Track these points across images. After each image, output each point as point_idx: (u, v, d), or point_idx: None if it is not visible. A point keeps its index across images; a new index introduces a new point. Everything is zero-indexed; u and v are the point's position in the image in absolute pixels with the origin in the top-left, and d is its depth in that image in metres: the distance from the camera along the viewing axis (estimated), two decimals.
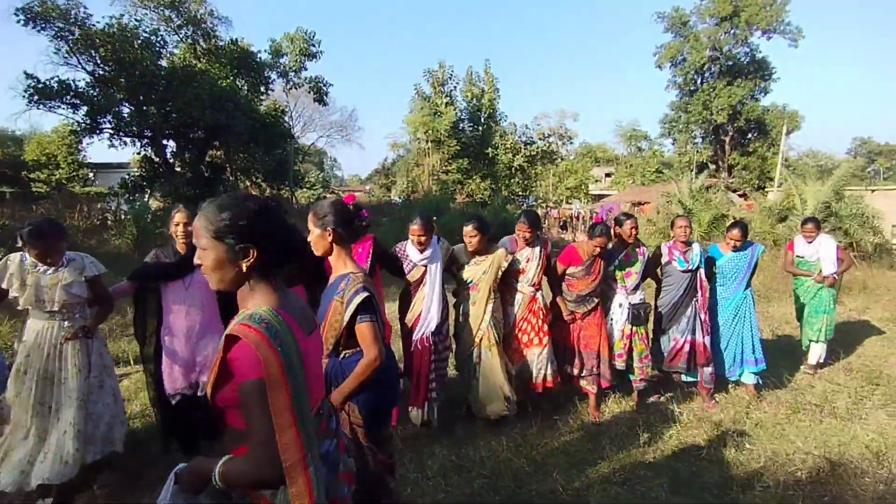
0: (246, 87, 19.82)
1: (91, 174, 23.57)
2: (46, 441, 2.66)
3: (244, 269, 1.28)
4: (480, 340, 3.65)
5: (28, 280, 2.69)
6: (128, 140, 18.48)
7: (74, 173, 22.42)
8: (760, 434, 3.71)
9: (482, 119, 31.31)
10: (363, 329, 2.01)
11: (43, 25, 15.90)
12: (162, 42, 18.14)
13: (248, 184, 21.97)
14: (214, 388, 1.27)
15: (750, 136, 33.91)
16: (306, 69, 23.00)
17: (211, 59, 19.13)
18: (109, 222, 14.84)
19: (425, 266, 3.57)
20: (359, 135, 67.34)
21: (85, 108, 17.09)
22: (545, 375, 3.85)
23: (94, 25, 16.30)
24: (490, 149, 30.65)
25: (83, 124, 17.43)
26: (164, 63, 17.67)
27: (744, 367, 4.36)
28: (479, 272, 3.70)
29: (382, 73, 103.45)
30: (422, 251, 3.55)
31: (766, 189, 25.29)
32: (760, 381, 4.41)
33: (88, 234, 13.52)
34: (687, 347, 4.19)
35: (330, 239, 2.09)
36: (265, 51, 21.30)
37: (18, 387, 2.69)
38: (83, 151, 23.55)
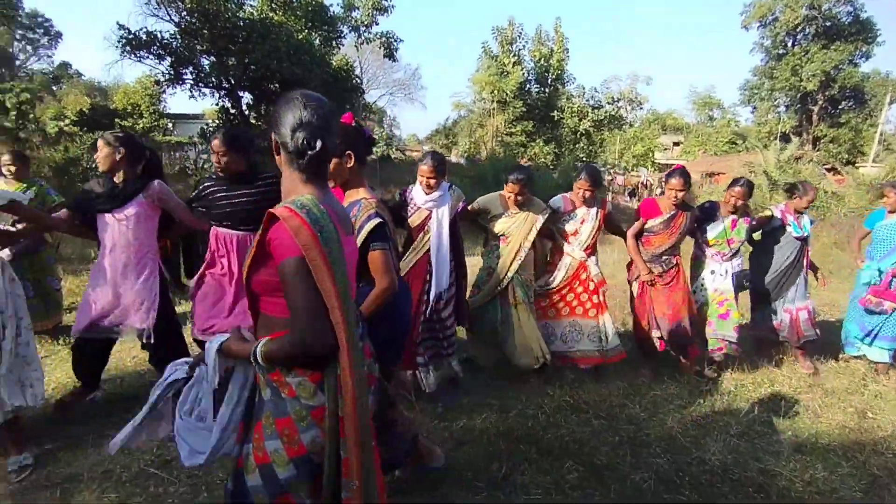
0: (319, 41, 19.96)
1: (170, 124, 24.69)
2: None
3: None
4: (504, 297, 3.44)
5: None
6: (207, 91, 19.15)
7: (156, 123, 23.50)
8: (882, 405, 3.58)
9: (549, 80, 30.36)
10: (375, 257, 1.91)
11: None
12: None
13: None
14: (250, 271, 1.32)
15: (843, 105, 31.28)
16: (377, 23, 22.90)
17: (287, 11, 19.32)
18: (189, 170, 15.59)
19: (430, 210, 3.14)
20: (421, 94, 66.93)
21: (169, 59, 17.78)
22: (600, 351, 3.61)
23: None
24: (556, 112, 29.79)
25: (167, 75, 18.17)
26: (243, 15, 18.00)
27: (874, 342, 4.08)
28: (513, 225, 3.44)
29: (448, 30, 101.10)
30: (428, 193, 3.14)
31: (856, 164, 23.47)
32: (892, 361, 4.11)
33: (171, 180, 14.33)
34: (804, 315, 4.06)
35: (350, 165, 1.96)
36: (338, 4, 21.31)
37: None
38: (164, 102, 24.60)
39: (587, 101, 31.88)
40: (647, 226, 3.76)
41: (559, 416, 3.14)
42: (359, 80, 21.42)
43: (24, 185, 4.13)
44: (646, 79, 40.67)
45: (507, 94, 28.13)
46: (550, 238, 3.71)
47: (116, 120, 19.73)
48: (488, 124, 29.90)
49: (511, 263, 3.42)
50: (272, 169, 2.07)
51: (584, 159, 31.66)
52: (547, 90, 30.27)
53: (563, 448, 2.80)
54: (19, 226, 2.77)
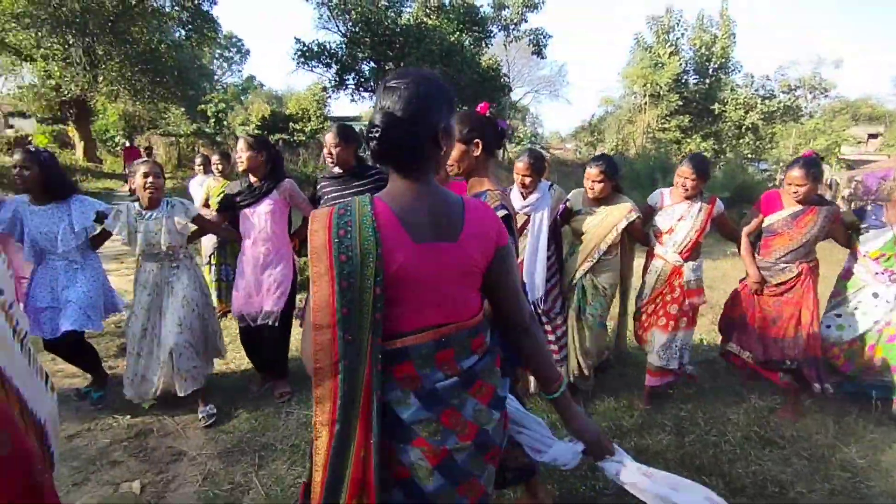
0: (469, 42, 20.41)
1: (333, 126, 27.16)
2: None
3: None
4: (568, 299, 3.09)
5: (139, 227, 2.91)
6: (366, 95, 20.68)
7: (321, 125, 25.91)
8: None
9: (710, 70, 27.61)
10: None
11: None
12: (403, 2, 19.57)
13: None
14: None
15: None
16: (526, 20, 22.76)
17: (440, 15, 20.06)
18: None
19: (528, 215, 2.92)
20: (567, 90, 65.33)
21: (335, 67, 19.53)
22: (664, 367, 3.10)
23: None
24: (717, 104, 27.03)
25: (333, 81, 19.96)
26: (402, 21, 19.07)
27: None
28: (591, 223, 3.05)
29: (596, 24, 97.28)
30: (525, 196, 2.92)
31: None
32: None
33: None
34: None
35: (477, 154, 1.79)
36: (489, 4, 21.57)
37: (133, 323, 2.98)
38: (328, 106, 27.07)
39: (755, 91, 28.42)
40: (765, 223, 3.09)
41: (748, 448, 2.76)
42: (506, 79, 21.50)
43: (229, 181, 4.72)
44: (834, 62, 34.75)
45: (660, 88, 26.22)
46: (643, 241, 3.25)
47: (291, 124, 22.06)
48: (638, 120, 28.16)
49: (582, 264, 3.05)
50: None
51: (750, 156, 28.31)
52: (707, 81, 27.59)
53: (759, 487, 2.44)
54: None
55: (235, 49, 39.91)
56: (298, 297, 3.47)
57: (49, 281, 2.92)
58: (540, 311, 2.94)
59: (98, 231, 3.07)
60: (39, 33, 13.64)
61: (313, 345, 1.09)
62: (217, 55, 39.22)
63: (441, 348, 1.16)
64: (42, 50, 14.04)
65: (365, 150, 3.11)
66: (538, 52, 23.34)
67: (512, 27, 22.60)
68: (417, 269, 1.12)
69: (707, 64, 27.64)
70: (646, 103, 27.32)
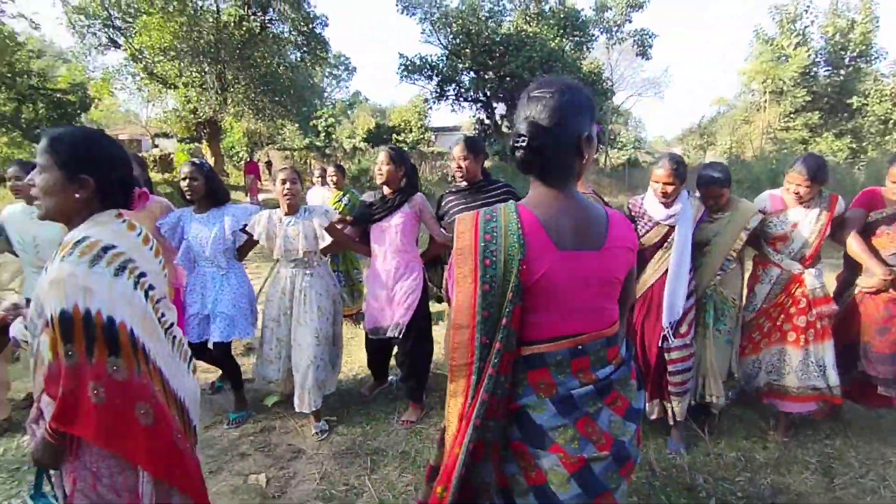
0: (570, 47, 20.01)
1: (433, 137, 27.84)
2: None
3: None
4: (697, 317, 2.81)
5: (278, 233, 3.00)
6: (466, 105, 21.00)
7: (421, 136, 26.71)
8: None
9: (846, 60, 24.65)
10: None
11: (413, 11, 19.03)
12: (503, 11, 19.68)
13: None
14: None
15: None
16: (630, 21, 21.87)
17: (540, 22, 19.87)
18: (448, 178, 17.28)
19: (670, 226, 2.68)
20: (672, 91, 61.72)
21: (436, 79, 20.04)
22: (814, 389, 2.74)
23: (448, 6, 18.75)
24: (855, 98, 24.04)
25: (434, 93, 20.50)
26: (502, 31, 19.16)
27: None
28: (712, 233, 2.79)
29: (707, 21, 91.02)
30: (667, 205, 2.65)
31: None
32: None
33: (433, 186, 16.07)
34: None
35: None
36: (590, 7, 21.02)
37: (267, 321, 3.11)
38: (428, 118, 27.84)
39: None
40: (871, 218, 2.80)
41: None
42: (608, 83, 20.77)
43: (342, 192, 4.99)
44: None
45: (783, 83, 23.85)
46: (755, 247, 2.97)
47: (394, 136, 22.95)
48: (757, 119, 25.84)
49: (711, 277, 2.82)
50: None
51: None
52: (842, 72, 24.65)
53: None
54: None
55: (343, 67, 42.37)
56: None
57: (199, 288, 3.12)
58: (669, 332, 2.72)
59: (245, 240, 3.19)
60: (181, 64, 15.44)
61: (452, 342, 1.13)
62: (327, 73, 41.94)
63: (577, 356, 1.17)
64: (183, 78, 15.87)
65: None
66: (643, 53, 22.31)
67: (615, 29, 21.81)
68: (560, 277, 1.13)
69: (842, 53, 24.71)
70: (766, 101, 25.02)
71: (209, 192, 3.09)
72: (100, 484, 1.34)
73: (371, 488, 2.53)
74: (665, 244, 2.73)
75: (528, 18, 20.38)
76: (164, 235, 3.08)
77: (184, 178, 3.07)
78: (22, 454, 2.82)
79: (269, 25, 18.23)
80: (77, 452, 1.33)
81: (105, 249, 1.32)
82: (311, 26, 18.26)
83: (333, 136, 26.59)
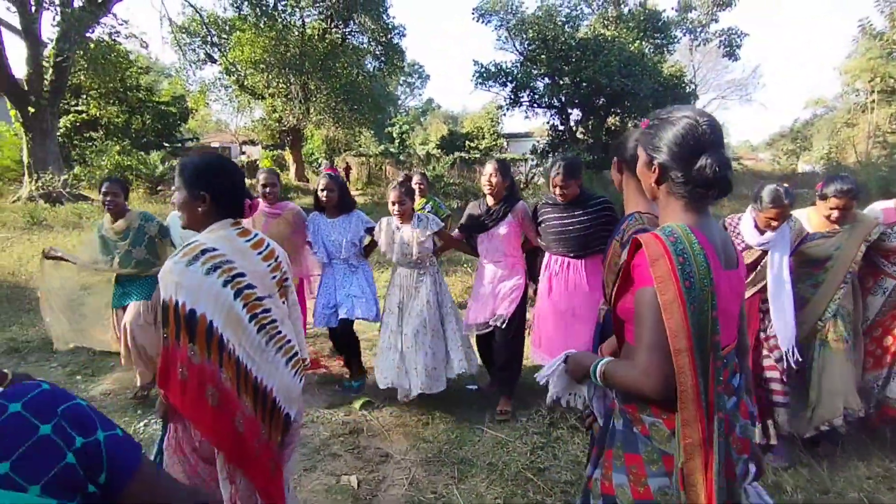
0: (650, 50, 19.30)
1: (505, 143, 27.76)
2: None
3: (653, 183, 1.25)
4: (819, 333, 2.75)
5: (395, 237, 3.38)
6: (540, 111, 20.75)
7: (494, 143, 26.70)
8: None
9: None
10: None
11: (489, 18, 19.11)
12: (581, 16, 19.33)
13: None
14: (617, 296, 1.27)
15: None
16: (717, 21, 20.76)
17: (618, 25, 19.33)
18: (521, 183, 17.12)
19: (763, 251, 2.64)
20: (761, 94, 58.16)
21: (510, 86, 19.97)
22: None
23: (524, 11, 18.66)
24: None
25: (507, 99, 20.43)
26: (579, 35, 18.82)
27: None
28: (832, 247, 2.73)
29: (798, 18, 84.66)
30: (763, 231, 2.61)
31: None
32: None
33: None
34: None
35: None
36: (672, 8, 20.18)
37: (388, 316, 3.46)
38: (501, 124, 27.81)
39: None
40: None
41: None
42: (691, 86, 19.82)
43: (425, 199, 5.06)
44: None
45: (895, 81, 21.69)
46: (865, 258, 2.82)
47: (467, 142, 23.10)
48: (861, 121, 23.67)
49: (834, 294, 2.74)
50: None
51: None
52: None
53: None
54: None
55: (417, 75, 43.32)
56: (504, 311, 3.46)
57: (332, 282, 3.61)
58: (790, 357, 2.62)
59: (367, 242, 3.72)
60: (269, 76, 16.40)
61: (676, 369, 1.11)
62: (401, 82, 43.04)
63: (724, 367, 1.22)
64: (270, 89, 16.84)
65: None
66: (730, 53, 21.09)
67: (699, 29, 20.78)
68: (726, 295, 1.20)
69: None
70: (874, 101, 22.86)
71: (341, 200, 3.59)
72: (188, 442, 1.62)
73: (459, 498, 2.53)
74: (758, 267, 2.71)
75: (606, 22, 19.89)
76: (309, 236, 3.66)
77: (322, 189, 3.59)
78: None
79: (349, 37, 18.98)
80: (178, 415, 1.61)
81: (203, 252, 1.54)
82: (389, 37, 18.83)
83: (407, 142, 27.16)
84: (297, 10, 16.57)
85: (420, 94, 44.59)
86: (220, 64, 17.80)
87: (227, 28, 17.42)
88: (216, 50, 18.21)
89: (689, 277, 1.11)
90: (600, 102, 19.28)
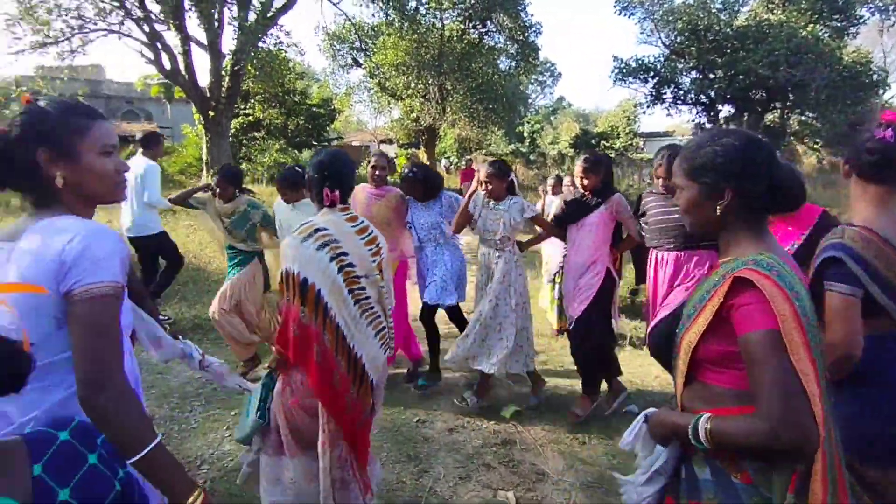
0: (828, 34, 16.86)
1: (642, 142, 26.11)
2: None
3: (718, 210, 1.16)
4: None
5: (481, 215, 3.41)
6: (684, 108, 19.20)
7: (630, 141, 25.25)
8: None
9: None
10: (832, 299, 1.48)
11: (632, 11, 18.06)
12: (740, 1, 17.54)
13: (804, 149, 19.22)
14: (701, 337, 1.14)
15: None
16: None
17: (787, 8, 17.14)
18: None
19: None
20: None
21: (652, 82, 18.71)
22: None
23: (673, 1, 17.34)
24: None
25: (648, 96, 19.17)
26: (736, 23, 17.05)
27: None
28: None
29: None
30: None
31: None
32: None
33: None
34: None
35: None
36: None
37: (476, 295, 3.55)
38: (637, 122, 26.21)
39: None
40: None
41: None
42: (881, 74, 16.98)
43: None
44: None
45: None
46: None
47: (602, 141, 22.15)
48: None
49: None
50: None
51: None
52: None
53: None
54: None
55: (549, 73, 42.47)
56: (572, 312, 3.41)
57: (425, 261, 3.75)
58: None
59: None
60: (409, 77, 17.06)
61: (819, 417, 1.02)
62: (532, 80, 42.45)
63: None
64: (409, 90, 17.52)
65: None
66: None
67: (893, 7, 17.69)
68: None
69: None
70: None
71: (426, 190, 3.69)
72: (297, 393, 1.93)
73: None
74: None
75: (771, 6, 17.74)
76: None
77: (372, 167, 3.79)
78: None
79: (486, 37, 19.08)
80: (290, 368, 1.94)
81: (316, 230, 1.88)
82: (525, 35, 18.60)
83: (537, 141, 26.75)
84: (438, 11, 17.02)
85: (551, 93, 43.63)
86: (365, 67, 18.90)
87: (373, 34, 18.45)
88: (362, 55, 19.37)
89: (804, 312, 1.05)
90: (758, 97, 17.32)
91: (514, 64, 19.86)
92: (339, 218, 1.96)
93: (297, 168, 3.90)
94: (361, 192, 3.75)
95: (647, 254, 3.25)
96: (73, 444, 0.71)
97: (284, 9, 13.11)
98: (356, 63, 19.84)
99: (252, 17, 12.58)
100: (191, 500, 1.05)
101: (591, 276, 3.29)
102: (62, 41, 11.73)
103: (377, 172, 3.74)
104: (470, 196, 3.41)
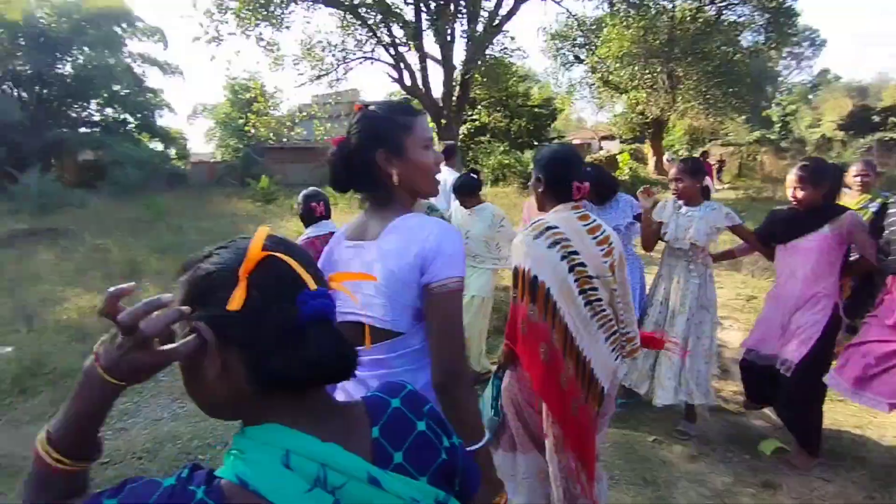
0: None
1: None
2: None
3: None
4: None
5: (673, 219, 3.01)
6: None
7: None
8: None
9: None
10: None
11: None
12: None
13: None
14: None
15: None
16: None
17: None
18: None
19: None
20: None
21: None
22: None
23: None
24: None
25: None
26: None
27: None
28: None
29: None
30: None
31: None
32: None
33: None
34: None
35: None
36: None
37: (652, 310, 3.12)
38: None
39: None
40: None
41: None
42: None
43: (870, 195, 3.81)
44: None
45: None
46: None
47: (890, 118, 17.75)
48: None
49: None
50: None
51: None
52: None
53: None
54: None
55: (808, 42, 35.64)
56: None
57: None
58: None
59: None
60: (635, 68, 16.05)
61: None
62: (785, 54, 36.07)
63: None
64: (635, 82, 16.50)
65: None
66: None
67: None
68: None
69: None
70: None
71: (597, 191, 3.23)
72: (523, 391, 1.94)
73: None
74: None
75: None
76: None
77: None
78: None
79: (725, 11, 16.86)
80: (518, 364, 1.94)
81: (548, 228, 1.83)
82: (778, 1, 15.84)
83: (790, 125, 22.70)
84: None
85: (810, 67, 36.53)
86: (587, 63, 18.44)
87: (594, 27, 17.87)
88: (583, 50, 18.95)
89: None
90: None
91: (762, 38, 17.13)
92: (572, 216, 1.87)
93: (472, 175, 3.93)
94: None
95: (875, 281, 2.80)
96: (403, 412, 0.76)
97: (509, 15, 13.60)
98: (577, 60, 19.49)
99: (480, 27, 13.34)
100: (500, 497, 1.13)
101: (813, 312, 2.68)
102: (331, 72, 14.14)
103: None
104: (651, 206, 3.08)
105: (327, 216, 2.98)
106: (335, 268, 1.26)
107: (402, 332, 1.18)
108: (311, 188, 3.05)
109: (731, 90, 15.68)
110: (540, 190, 1.91)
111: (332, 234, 2.61)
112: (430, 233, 1.15)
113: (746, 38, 17.38)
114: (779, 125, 21.93)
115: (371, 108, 1.26)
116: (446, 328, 1.12)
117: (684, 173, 2.98)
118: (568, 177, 1.89)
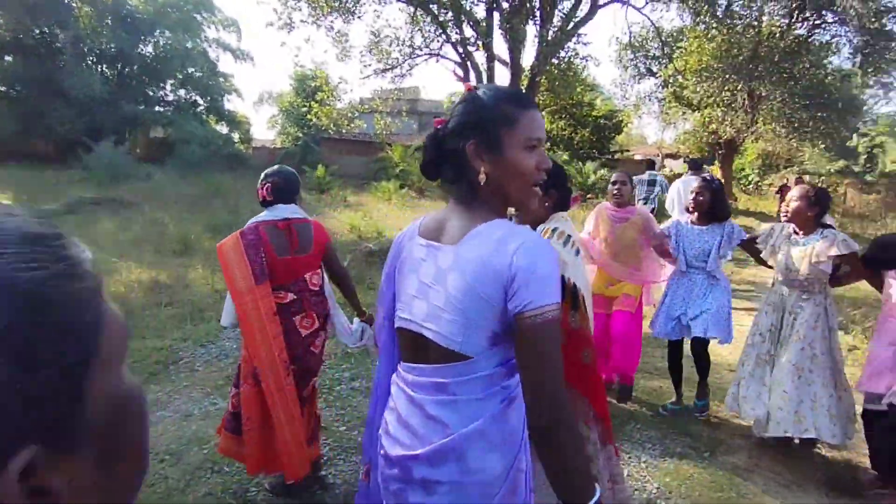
0: None
1: None
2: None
3: None
4: None
5: (781, 249, 2.95)
6: None
7: None
8: None
9: None
10: None
11: None
12: None
13: None
14: None
15: None
16: None
17: None
18: None
19: None
20: None
21: None
22: None
23: None
24: None
25: None
26: None
27: None
28: None
29: None
30: None
31: None
32: None
33: None
34: None
35: None
36: None
37: (751, 337, 3.09)
38: None
39: None
40: None
41: None
42: None
43: None
44: None
45: None
46: None
47: None
48: None
49: None
50: None
51: None
52: None
53: None
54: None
55: None
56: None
57: (685, 293, 3.35)
58: None
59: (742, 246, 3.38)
60: (713, 84, 15.13)
61: None
62: (872, 81, 33.57)
63: None
64: (711, 98, 15.57)
65: None
66: None
67: None
68: None
69: None
70: None
71: (712, 207, 3.31)
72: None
73: None
74: None
75: None
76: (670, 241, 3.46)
77: (693, 192, 3.40)
78: None
79: (817, 30, 15.72)
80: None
81: (569, 237, 1.94)
82: (881, 22, 14.59)
83: (877, 159, 21.08)
84: (755, 4, 14.64)
85: None
86: (660, 76, 17.61)
87: (671, 39, 17.03)
88: (656, 63, 18.11)
89: None
90: None
91: (857, 61, 15.86)
92: (571, 225, 2.05)
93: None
94: (604, 212, 3.60)
95: None
96: None
97: (585, 20, 13.11)
98: (650, 72, 18.65)
99: (551, 32, 12.90)
100: None
101: None
102: (396, 67, 14.04)
103: (616, 188, 3.56)
104: (753, 238, 3.22)
105: (283, 200, 2.45)
106: (402, 266, 1.16)
107: (471, 357, 1.03)
108: (273, 167, 2.55)
109: (819, 115, 14.55)
110: (548, 203, 2.04)
111: (285, 220, 2.36)
112: (520, 246, 1.00)
113: (835, 62, 16.20)
114: (864, 156, 20.36)
115: (479, 90, 1.11)
116: (544, 365, 0.98)
117: (801, 200, 2.87)
118: (570, 190, 2.17)
